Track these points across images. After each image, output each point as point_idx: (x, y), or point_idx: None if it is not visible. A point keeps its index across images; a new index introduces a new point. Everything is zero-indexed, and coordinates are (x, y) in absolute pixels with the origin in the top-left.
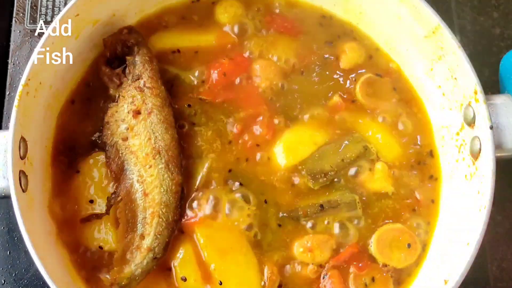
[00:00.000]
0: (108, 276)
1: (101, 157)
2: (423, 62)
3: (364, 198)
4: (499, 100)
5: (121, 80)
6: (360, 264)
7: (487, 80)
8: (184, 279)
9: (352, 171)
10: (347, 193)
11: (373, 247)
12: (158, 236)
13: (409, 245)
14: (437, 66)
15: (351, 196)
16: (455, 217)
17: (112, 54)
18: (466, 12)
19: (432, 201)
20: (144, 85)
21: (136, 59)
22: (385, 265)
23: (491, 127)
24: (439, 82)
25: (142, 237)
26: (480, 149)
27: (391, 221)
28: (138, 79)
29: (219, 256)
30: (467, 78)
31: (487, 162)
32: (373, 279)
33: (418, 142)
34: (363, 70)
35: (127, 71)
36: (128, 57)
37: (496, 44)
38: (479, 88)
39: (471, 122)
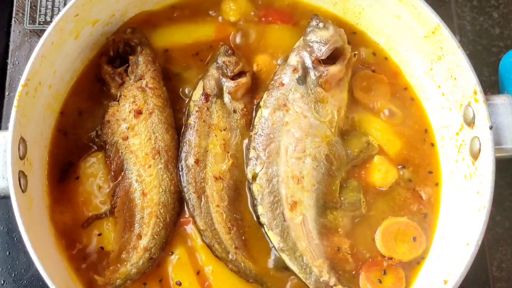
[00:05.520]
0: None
1: (100, 156)
2: (423, 62)
3: (367, 192)
4: (499, 100)
5: (123, 79)
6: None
7: (487, 80)
8: (179, 284)
9: (355, 166)
10: (351, 192)
11: (378, 241)
12: (155, 236)
13: (414, 239)
14: (436, 66)
15: (355, 196)
16: (455, 217)
17: (115, 53)
18: (466, 12)
19: (431, 201)
20: (146, 86)
21: (139, 59)
22: (390, 258)
23: (491, 127)
24: (439, 82)
25: (139, 237)
26: (479, 149)
27: (395, 215)
28: (141, 79)
29: (217, 258)
30: (467, 78)
31: (486, 162)
32: (384, 272)
33: (419, 142)
34: (363, 68)
35: (129, 70)
36: (131, 57)
37: (496, 44)
38: (478, 88)
39: (470, 122)
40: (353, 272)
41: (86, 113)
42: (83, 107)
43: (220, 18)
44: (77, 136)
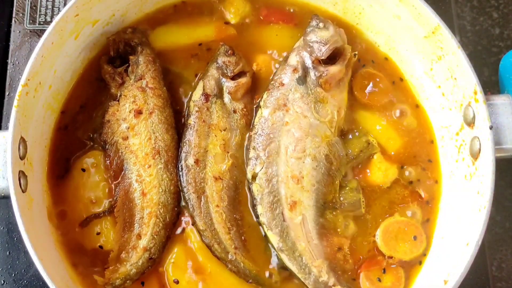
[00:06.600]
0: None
1: (100, 156)
2: (423, 62)
3: (366, 191)
4: (499, 100)
5: (123, 79)
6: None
7: (487, 80)
8: (177, 282)
9: (355, 165)
10: (351, 192)
11: (378, 240)
12: (155, 236)
13: (415, 237)
14: (436, 66)
15: (355, 196)
16: (455, 217)
17: (115, 53)
18: (466, 12)
19: (431, 201)
20: (147, 85)
21: (139, 59)
22: (390, 257)
23: (491, 127)
24: (439, 82)
25: (139, 236)
26: (480, 149)
27: (394, 214)
28: (141, 79)
29: (216, 259)
30: (467, 78)
31: (486, 162)
32: (384, 271)
33: (418, 142)
34: (362, 66)
35: (129, 70)
36: (131, 57)
37: (496, 44)
38: (479, 88)
39: (471, 122)
40: (352, 273)
41: (86, 113)
42: (83, 107)
43: (220, 19)
44: (77, 136)
